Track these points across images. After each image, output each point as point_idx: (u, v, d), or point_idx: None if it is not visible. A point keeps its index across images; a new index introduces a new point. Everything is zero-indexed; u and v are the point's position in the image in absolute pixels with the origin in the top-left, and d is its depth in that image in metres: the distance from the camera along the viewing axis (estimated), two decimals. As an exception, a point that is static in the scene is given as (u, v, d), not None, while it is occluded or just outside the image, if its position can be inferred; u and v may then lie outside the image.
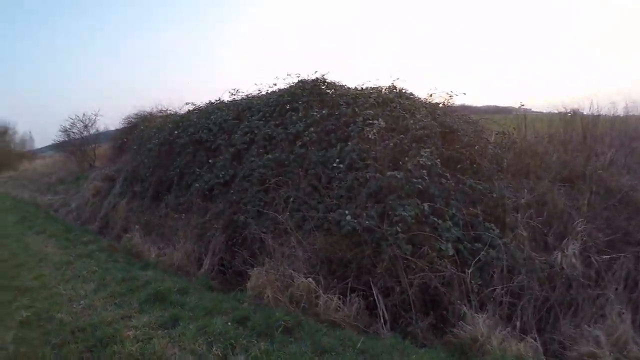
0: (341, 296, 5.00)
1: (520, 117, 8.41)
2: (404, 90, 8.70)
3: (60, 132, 18.77)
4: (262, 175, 7.05)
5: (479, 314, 4.46)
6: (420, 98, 8.71)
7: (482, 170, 6.39)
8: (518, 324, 4.52)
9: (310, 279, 5.01)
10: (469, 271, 4.78)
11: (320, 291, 5.02)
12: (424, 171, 5.89)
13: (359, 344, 4.09)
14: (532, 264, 4.97)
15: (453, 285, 4.83)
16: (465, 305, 4.60)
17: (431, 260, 4.96)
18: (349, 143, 7.04)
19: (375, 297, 4.99)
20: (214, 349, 4.04)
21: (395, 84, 8.87)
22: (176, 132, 9.36)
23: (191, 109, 10.36)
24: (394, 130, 7.20)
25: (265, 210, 6.64)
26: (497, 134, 7.89)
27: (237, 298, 5.28)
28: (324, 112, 7.83)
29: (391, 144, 6.78)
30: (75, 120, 18.29)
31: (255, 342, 4.14)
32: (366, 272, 5.24)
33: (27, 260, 7.39)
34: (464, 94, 9.79)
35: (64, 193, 15.71)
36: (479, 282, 4.78)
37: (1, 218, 12.50)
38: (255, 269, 5.44)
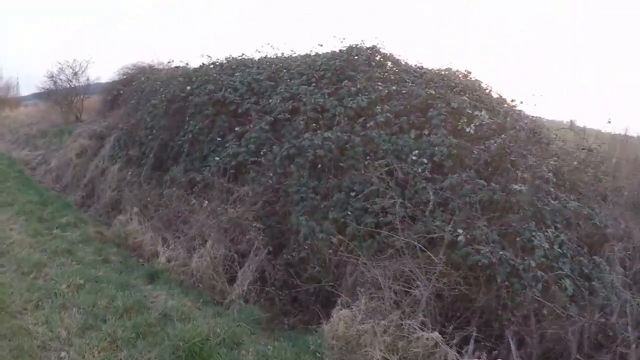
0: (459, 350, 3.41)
1: (579, 133, 6.51)
2: (477, 81, 6.62)
3: (46, 78, 15.84)
4: (316, 158, 4.96)
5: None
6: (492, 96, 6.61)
7: (576, 191, 5.18)
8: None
9: (436, 333, 3.12)
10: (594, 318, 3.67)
11: (447, 348, 3.16)
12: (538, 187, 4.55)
13: None
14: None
15: (575, 335, 3.62)
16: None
17: (564, 304, 3.76)
18: (426, 133, 5.13)
19: (513, 353, 3.46)
20: None
21: (468, 70, 6.75)
22: (189, 87, 7.10)
23: (206, 62, 8.02)
24: (493, 129, 5.31)
25: (322, 207, 4.62)
26: (583, 149, 6.07)
27: (314, 352, 3.26)
28: (393, 88, 5.79)
29: (494, 145, 4.89)
30: (64, 66, 15.39)
31: None
32: (492, 317, 3.74)
33: (-17, 256, 5.06)
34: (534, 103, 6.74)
35: (44, 148, 13.20)
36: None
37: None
38: (340, 310, 3.47)
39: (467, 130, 5.22)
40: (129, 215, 5.95)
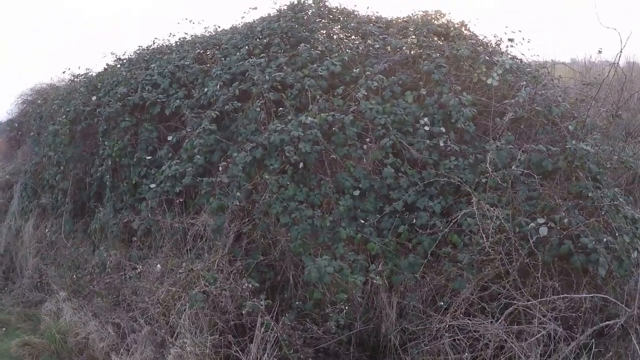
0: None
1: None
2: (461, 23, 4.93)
3: None
4: (299, 155, 3.24)
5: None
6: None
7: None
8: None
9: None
10: None
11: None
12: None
13: None
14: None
15: None
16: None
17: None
18: (424, 93, 3.71)
19: None
20: None
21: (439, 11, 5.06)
22: (94, 97, 5.04)
23: (112, 62, 5.89)
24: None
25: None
26: (583, 84, 4.84)
27: None
28: (368, 42, 4.17)
29: (524, 94, 3.50)
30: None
31: None
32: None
33: None
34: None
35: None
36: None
37: None
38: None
39: (489, 81, 3.70)
40: (58, 302, 3.99)
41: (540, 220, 2.77)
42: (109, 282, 4.04)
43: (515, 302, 2.74)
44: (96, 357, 3.62)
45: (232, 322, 3.17)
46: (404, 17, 5.04)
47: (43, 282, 5.17)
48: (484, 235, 2.86)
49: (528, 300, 2.71)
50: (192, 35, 5.37)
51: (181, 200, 3.65)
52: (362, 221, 3.24)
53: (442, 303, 3.01)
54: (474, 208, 3.00)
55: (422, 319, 3.06)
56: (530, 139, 3.57)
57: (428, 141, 3.44)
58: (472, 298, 2.92)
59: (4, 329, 4.54)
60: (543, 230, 2.71)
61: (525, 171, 3.15)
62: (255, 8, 5.24)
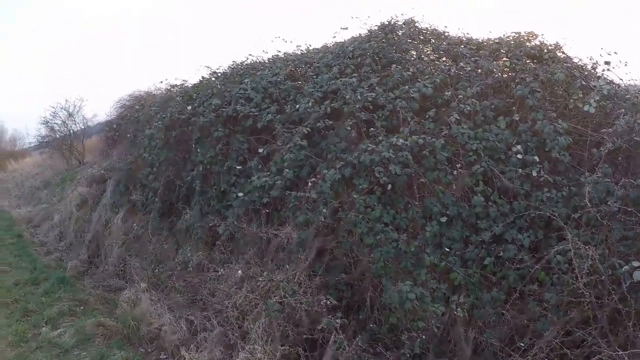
0: None
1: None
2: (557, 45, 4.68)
3: (41, 125, 14.45)
4: (389, 177, 3.26)
5: None
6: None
7: None
8: None
9: None
10: None
11: None
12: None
13: None
14: None
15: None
16: None
17: None
18: (517, 119, 3.58)
19: None
20: None
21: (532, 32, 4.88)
22: (190, 107, 5.45)
23: (207, 75, 6.34)
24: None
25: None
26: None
27: None
28: (461, 64, 4.12)
29: (622, 123, 3.30)
30: (57, 109, 13.92)
31: None
32: None
33: None
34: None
35: (47, 201, 11.67)
36: None
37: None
38: None
39: (585, 108, 3.50)
40: (137, 292, 4.29)
41: (635, 264, 2.57)
42: (189, 280, 4.28)
43: (600, 351, 2.55)
44: (165, 348, 3.79)
45: (304, 336, 3.23)
46: (495, 39, 4.93)
47: (125, 272, 5.58)
48: (578, 275, 2.69)
49: (615, 351, 2.52)
50: (284, 53, 5.65)
51: (267, 211, 3.80)
52: (447, 249, 3.17)
53: (522, 344, 2.88)
54: (569, 245, 2.84)
55: (498, 358, 2.93)
56: (629, 173, 3.29)
57: (520, 170, 3.32)
58: (555, 342, 2.76)
59: (82, 307, 4.89)
60: (637, 275, 2.53)
61: (622, 207, 2.92)
62: (347, 28, 5.42)
